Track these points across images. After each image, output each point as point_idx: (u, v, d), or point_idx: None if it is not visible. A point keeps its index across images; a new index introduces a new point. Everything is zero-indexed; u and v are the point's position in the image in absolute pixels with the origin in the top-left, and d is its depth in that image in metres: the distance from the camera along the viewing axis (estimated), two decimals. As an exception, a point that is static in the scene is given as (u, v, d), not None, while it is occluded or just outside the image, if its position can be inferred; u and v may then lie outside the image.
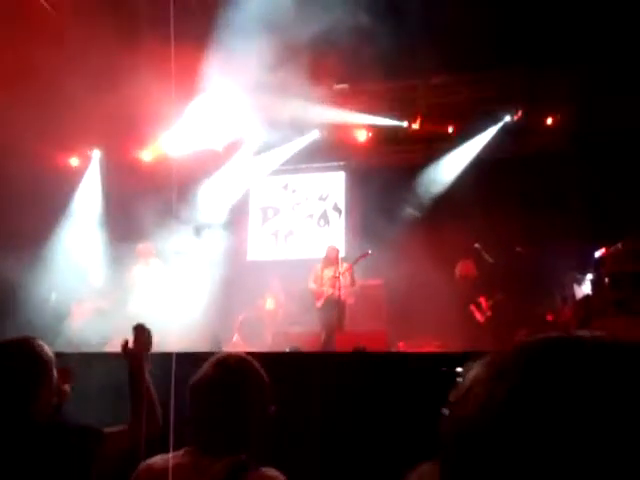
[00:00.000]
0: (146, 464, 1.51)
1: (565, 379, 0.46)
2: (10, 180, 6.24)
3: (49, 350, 1.78)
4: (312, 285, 6.95)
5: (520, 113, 7.64)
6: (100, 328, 6.39)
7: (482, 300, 6.73)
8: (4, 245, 6.32)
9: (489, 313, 6.61)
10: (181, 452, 1.50)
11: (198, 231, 7.53)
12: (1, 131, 5.77)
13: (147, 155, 8.46)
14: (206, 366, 1.53)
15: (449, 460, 0.50)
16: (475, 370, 0.53)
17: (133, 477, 1.51)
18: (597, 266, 6.09)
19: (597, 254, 6.15)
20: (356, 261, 6.73)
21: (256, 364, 1.56)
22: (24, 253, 6.84)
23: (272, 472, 1.45)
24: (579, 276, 6.32)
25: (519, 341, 0.53)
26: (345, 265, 6.79)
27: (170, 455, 1.48)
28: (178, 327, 6.32)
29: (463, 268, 6.78)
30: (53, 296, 7.15)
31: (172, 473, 1.40)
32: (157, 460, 1.50)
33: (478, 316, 6.64)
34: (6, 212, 6.08)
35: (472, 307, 6.69)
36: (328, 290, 6.74)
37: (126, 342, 1.92)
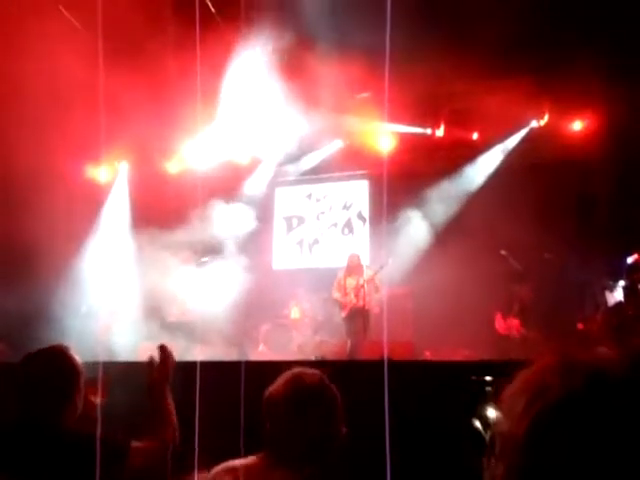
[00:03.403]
0: (221, 469, 1.52)
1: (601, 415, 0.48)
2: (39, 195, 6.40)
3: (79, 360, 1.81)
4: (336, 294, 6.93)
5: (547, 118, 7.51)
6: (129, 338, 6.47)
7: (513, 321, 6.62)
8: (36, 259, 6.47)
9: (517, 333, 6.51)
10: (253, 458, 1.53)
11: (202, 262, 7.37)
12: (30, 147, 5.94)
13: (173, 167, 8.58)
14: (281, 381, 1.57)
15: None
16: (512, 387, 0.55)
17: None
18: (630, 272, 5.93)
19: (629, 260, 5.99)
20: (377, 272, 6.70)
21: (328, 382, 1.59)
22: (56, 266, 6.99)
23: None
24: (611, 283, 6.16)
25: (555, 360, 0.54)
26: (369, 273, 6.76)
27: (243, 461, 1.52)
28: (204, 336, 6.37)
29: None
30: (84, 308, 7.27)
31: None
32: (235, 464, 1.52)
33: (501, 330, 6.57)
34: (37, 226, 6.22)
35: (498, 317, 6.62)
36: (352, 299, 6.71)
37: (151, 361, 1.93)
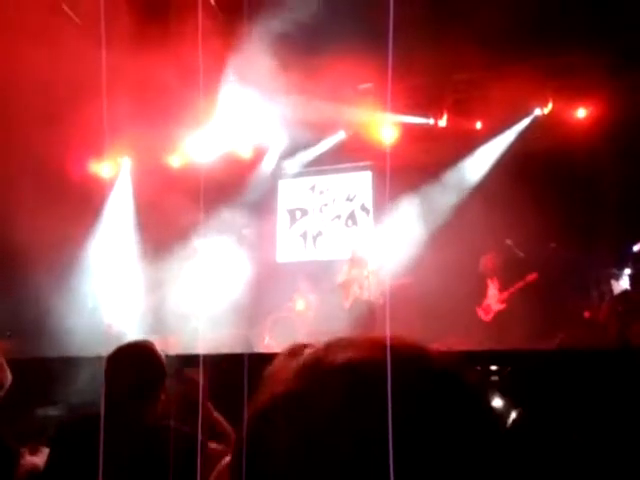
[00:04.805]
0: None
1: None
2: (43, 191, 6.40)
3: (164, 357, 1.83)
4: (341, 286, 6.94)
5: (550, 106, 7.45)
6: (135, 332, 6.50)
7: (493, 294, 6.66)
8: (40, 256, 6.49)
9: (502, 306, 6.55)
10: None
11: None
12: (33, 144, 5.93)
13: (175, 161, 8.56)
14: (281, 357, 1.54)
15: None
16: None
17: None
18: (636, 260, 5.91)
19: (635, 248, 5.97)
20: (380, 263, 6.75)
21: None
22: (60, 263, 7.01)
23: None
24: (617, 272, 6.14)
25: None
26: (373, 265, 6.76)
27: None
28: (209, 329, 6.39)
29: (485, 262, 6.78)
30: (90, 303, 7.30)
31: None
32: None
33: (483, 316, 6.63)
34: (42, 223, 6.23)
35: (477, 309, 6.71)
36: (356, 291, 6.71)
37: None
